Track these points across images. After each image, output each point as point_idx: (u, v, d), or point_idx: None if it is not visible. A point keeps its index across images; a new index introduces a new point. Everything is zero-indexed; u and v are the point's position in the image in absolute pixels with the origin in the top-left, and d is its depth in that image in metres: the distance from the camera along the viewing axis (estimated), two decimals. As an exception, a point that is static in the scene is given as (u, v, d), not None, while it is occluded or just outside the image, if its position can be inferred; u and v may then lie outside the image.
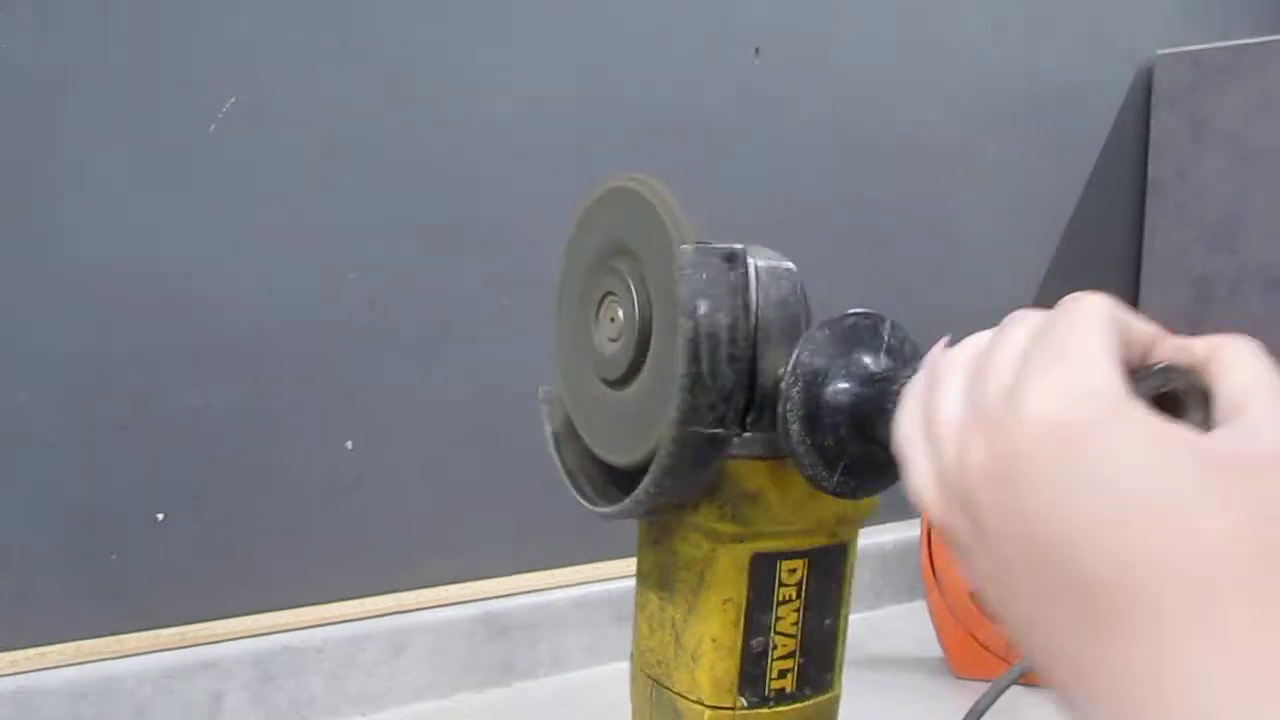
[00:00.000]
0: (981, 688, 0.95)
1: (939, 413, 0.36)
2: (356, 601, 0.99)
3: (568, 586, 1.08)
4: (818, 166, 1.19)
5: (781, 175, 1.16)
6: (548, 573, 1.09)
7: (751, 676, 0.48)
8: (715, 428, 0.43)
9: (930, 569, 1.08)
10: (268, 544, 0.96)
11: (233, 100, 0.90)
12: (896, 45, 1.23)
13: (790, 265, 0.46)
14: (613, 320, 0.48)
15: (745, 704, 0.48)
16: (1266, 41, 1.27)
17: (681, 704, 0.49)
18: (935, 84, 1.27)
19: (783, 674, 0.49)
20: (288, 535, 0.97)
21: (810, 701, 0.50)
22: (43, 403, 0.86)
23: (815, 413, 0.44)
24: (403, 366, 1.00)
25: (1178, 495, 0.30)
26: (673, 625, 0.49)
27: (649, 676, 0.51)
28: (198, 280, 0.91)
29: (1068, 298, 0.35)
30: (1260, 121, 1.26)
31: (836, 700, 0.51)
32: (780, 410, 0.43)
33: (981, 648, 1.07)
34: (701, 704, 0.48)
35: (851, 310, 0.45)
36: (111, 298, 0.88)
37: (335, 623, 0.97)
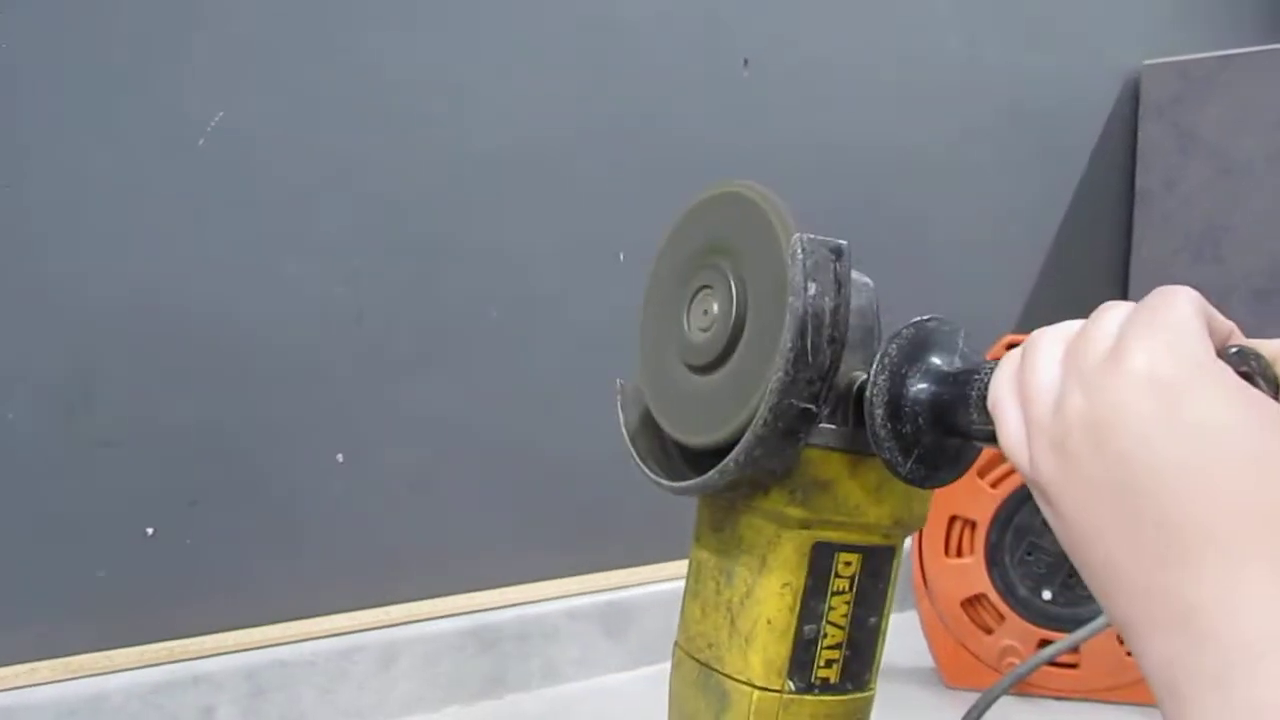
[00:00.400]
0: (973, 697, 0.95)
1: (1036, 376, 0.41)
2: (347, 615, 0.99)
3: (559, 599, 1.08)
4: (805, 178, 1.20)
5: (769, 186, 1.16)
6: (539, 585, 1.09)
7: (801, 661, 0.50)
8: (809, 403, 0.46)
9: (921, 579, 1.08)
10: (257, 557, 0.96)
11: (221, 115, 0.90)
12: (884, 56, 1.24)
13: (869, 281, 0.51)
14: (706, 312, 0.52)
15: (792, 688, 0.50)
16: (1252, 52, 1.28)
17: (730, 685, 0.51)
18: (922, 94, 1.27)
19: (829, 664, 0.51)
20: (278, 548, 0.96)
21: (850, 696, 0.52)
22: (29, 419, 0.86)
23: (897, 402, 0.48)
24: (392, 379, 1.00)
25: (1258, 448, 0.35)
26: (728, 608, 0.52)
27: (697, 661, 0.54)
28: (186, 294, 0.90)
29: (1160, 288, 0.39)
30: (1245, 132, 1.27)
31: (872, 700, 0.54)
32: (868, 396, 0.47)
33: (973, 657, 1.07)
34: (751, 685, 0.50)
35: (932, 316, 0.50)
36: (98, 312, 0.87)
37: (326, 636, 0.97)
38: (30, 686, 0.86)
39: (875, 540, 0.51)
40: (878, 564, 0.52)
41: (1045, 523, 0.41)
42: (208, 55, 0.89)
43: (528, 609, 1.06)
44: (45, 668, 0.87)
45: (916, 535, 1.07)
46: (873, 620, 0.52)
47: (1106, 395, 0.37)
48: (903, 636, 1.20)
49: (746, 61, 1.14)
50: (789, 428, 0.46)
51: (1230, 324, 0.40)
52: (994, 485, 1.04)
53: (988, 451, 1.01)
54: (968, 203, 1.33)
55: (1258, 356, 0.39)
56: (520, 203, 1.02)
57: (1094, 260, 1.41)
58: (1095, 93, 1.41)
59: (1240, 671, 0.33)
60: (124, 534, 0.90)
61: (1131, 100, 1.41)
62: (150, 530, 0.91)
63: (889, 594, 0.53)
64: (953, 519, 1.06)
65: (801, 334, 0.45)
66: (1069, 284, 1.36)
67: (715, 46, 1.13)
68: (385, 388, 0.99)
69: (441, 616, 1.02)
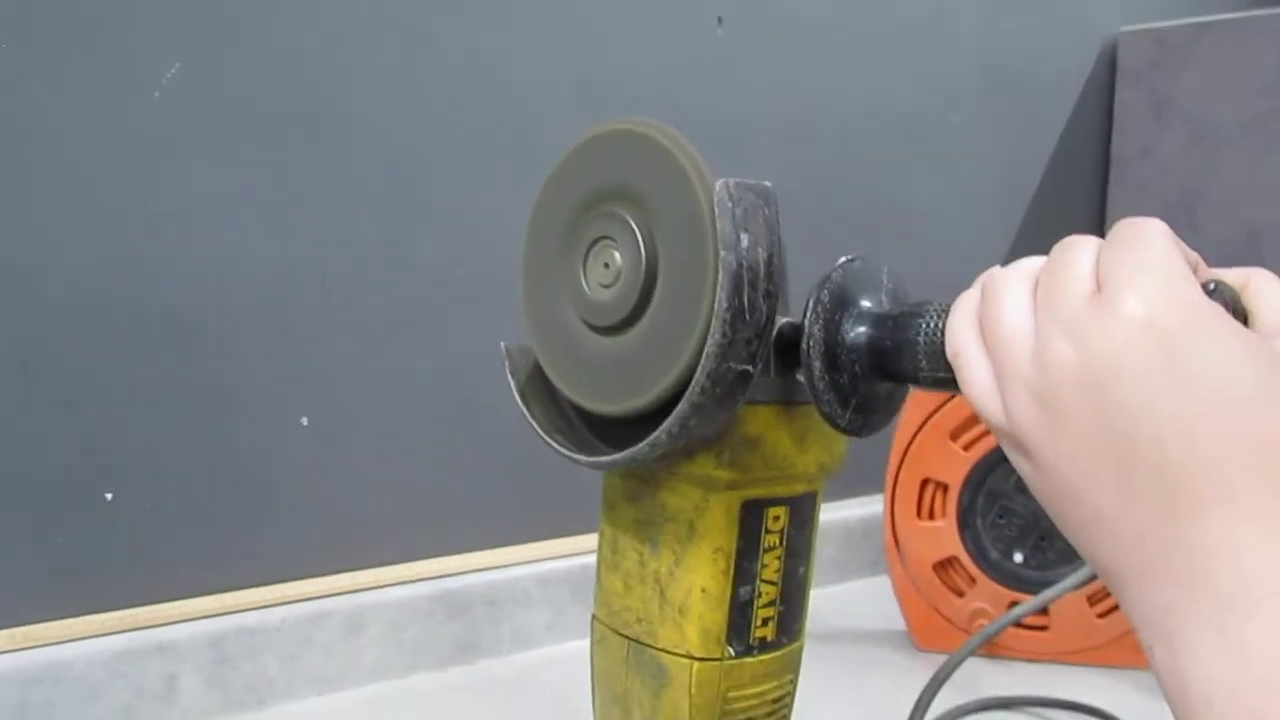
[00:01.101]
0: (943, 659, 0.95)
1: (1003, 320, 0.39)
2: (313, 581, 0.98)
3: (529, 564, 1.07)
4: (779, 140, 1.18)
5: (741, 149, 1.15)
6: (509, 550, 1.08)
7: (738, 626, 0.49)
8: (746, 364, 0.43)
9: (894, 542, 1.08)
10: (221, 523, 0.94)
11: (177, 66, 0.87)
12: (859, 17, 1.22)
13: (768, 184, 0.47)
14: (607, 266, 0.47)
15: (732, 653, 0.49)
16: (1229, 19, 1.27)
17: (667, 659, 0.49)
18: (897, 57, 1.26)
19: (765, 622, 0.50)
20: (242, 514, 0.95)
21: (786, 650, 0.51)
22: (-15, 380, 0.84)
23: (833, 351, 0.45)
24: (358, 341, 0.98)
25: (1264, 395, 0.34)
26: (656, 580, 0.49)
27: (625, 637, 0.51)
28: (146, 253, 0.88)
29: (1125, 221, 0.38)
30: (1221, 99, 1.27)
31: (802, 649, 0.53)
32: (804, 349, 0.45)
33: (944, 620, 1.07)
34: (690, 657, 0.48)
35: (852, 256, 0.47)
36: (55, 273, 0.85)
37: (292, 602, 0.96)
38: (-12, 655, 0.84)
39: (800, 489, 0.50)
40: (804, 513, 0.50)
41: (1018, 485, 0.40)
42: (163, 4, 0.86)
43: (498, 574, 1.05)
44: (4, 637, 0.85)
45: (889, 498, 1.07)
46: (801, 570, 0.51)
47: (1100, 343, 0.35)
48: (875, 601, 1.21)
49: (721, 20, 1.12)
50: (727, 392, 0.43)
51: (1194, 254, 0.39)
52: (966, 448, 1.04)
53: (958, 413, 1.01)
54: (942, 167, 1.32)
55: (1230, 289, 0.38)
56: (488, 162, 1.00)
57: (1069, 226, 1.38)
58: (1071, 59, 1.40)
59: (1239, 616, 0.33)
60: (83, 499, 0.88)
61: (1108, 66, 1.40)
62: (109, 495, 0.89)
63: (814, 539, 0.52)
64: (925, 482, 1.06)
65: (737, 291, 0.42)
66: (1044, 250, 1.35)
67: (688, 4, 1.11)
68: (351, 350, 0.98)
69: (410, 582, 1.01)
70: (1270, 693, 0.32)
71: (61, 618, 0.88)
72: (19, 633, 0.86)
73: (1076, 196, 1.41)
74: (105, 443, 0.88)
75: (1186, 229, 1.28)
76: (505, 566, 1.06)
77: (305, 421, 0.96)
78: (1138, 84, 1.36)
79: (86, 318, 0.86)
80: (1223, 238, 1.26)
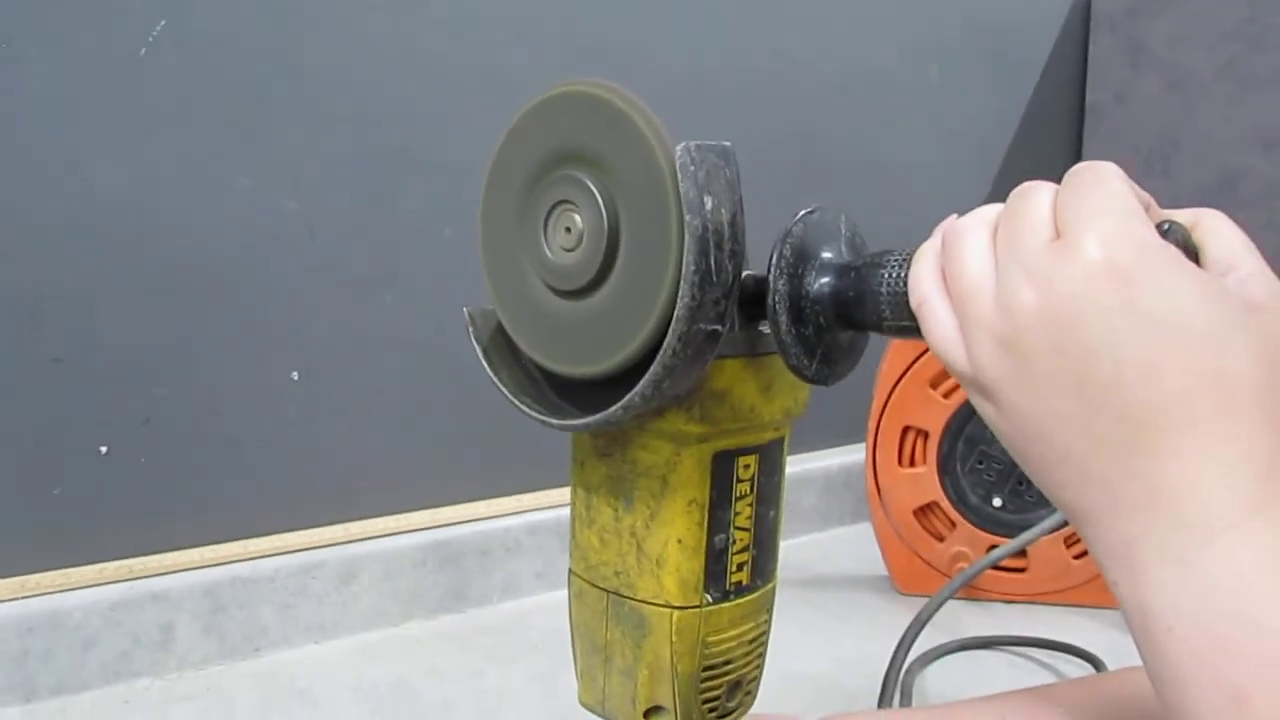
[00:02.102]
0: (924, 602, 0.97)
1: (965, 268, 0.40)
2: (306, 532, 0.99)
3: (519, 514, 1.09)
4: (756, 97, 1.19)
5: (718, 105, 1.16)
6: (499, 500, 1.09)
7: (715, 573, 0.50)
8: (715, 324, 0.44)
9: (875, 489, 1.10)
10: (214, 476, 0.95)
11: (163, 23, 0.88)
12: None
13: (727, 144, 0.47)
14: (569, 230, 0.47)
15: (710, 600, 0.50)
16: (1203, -34, 1.28)
17: (647, 610, 0.50)
18: (880, 11, 1.27)
19: (740, 567, 0.51)
20: (233, 467, 0.96)
21: (761, 591, 0.52)
22: (-23, 335, 0.85)
23: (798, 304, 0.46)
24: (346, 297, 0.99)
25: (1219, 331, 0.35)
26: (633, 534, 0.50)
27: (602, 590, 0.52)
28: (133, 210, 0.89)
29: (1080, 165, 0.39)
30: (1195, 45, 1.28)
31: (775, 589, 0.54)
32: (770, 303, 0.45)
33: (925, 564, 1.09)
34: (669, 606, 0.49)
35: (811, 207, 0.47)
36: (44, 229, 0.86)
37: (285, 553, 0.97)
38: (-13, 605, 0.85)
39: (768, 437, 0.50)
40: (773, 459, 0.51)
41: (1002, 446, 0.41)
42: (148, -38, 0.87)
43: (488, 524, 1.07)
44: (3, 586, 0.86)
45: (870, 445, 1.09)
46: (771, 514, 0.52)
47: (1062, 286, 0.36)
48: (857, 548, 1.23)
49: (700, -26, 1.13)
50: (697, 352, 0.44)
51: (1146, 195, 0.39)
52: (946, 396, 1.06)
53: (937, 363, 1.03)
54: (921, 120, 1.33)
55: (1183, 229, 0.39)
56: (474, 119, 1.01)
57: (1045, 176, 1.40)
58: (1046, 7, 1.41)
59: (1201, 545, 0.34)
60: (77, 452, 0.89)
61: (1083, 14, 1.41)
62: (104, 449, 0.90)
63: (782, 483, 0.53)
64: (906, 429, 1.08)
65: (704, 254, 0.42)
66: (1020, 200, 1.37)
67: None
68: (339, 305, 0.99)
69: (401, 532, 1.03)
70: (1233, 620, 0.33)
71: (59, 568, 0.89)
72: (15, 583, 0.87)
73: (1052, 146, 1.42)
74: (98, 397, 0.89)
75: (1161, 175, 1.30)
76: (495, 517, 1.08)
77: (295, 376, 0.98)
78: (1113, 31, 1.37)
79: (79, 274, 0.87)
80: (1197, 184, 1.27)
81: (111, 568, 0.91)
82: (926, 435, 1.08)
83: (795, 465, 1.27)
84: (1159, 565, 0.35)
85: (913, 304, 0.42)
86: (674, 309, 0.43)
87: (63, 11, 0.84)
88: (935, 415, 1.07)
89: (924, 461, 1.08)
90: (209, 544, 0.95)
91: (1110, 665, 0.92)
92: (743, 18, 1.17)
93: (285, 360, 0.97)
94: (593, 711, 0.55)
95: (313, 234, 0.97)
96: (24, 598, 0.87)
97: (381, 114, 0.98)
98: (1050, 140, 1.42)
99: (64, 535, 0.89)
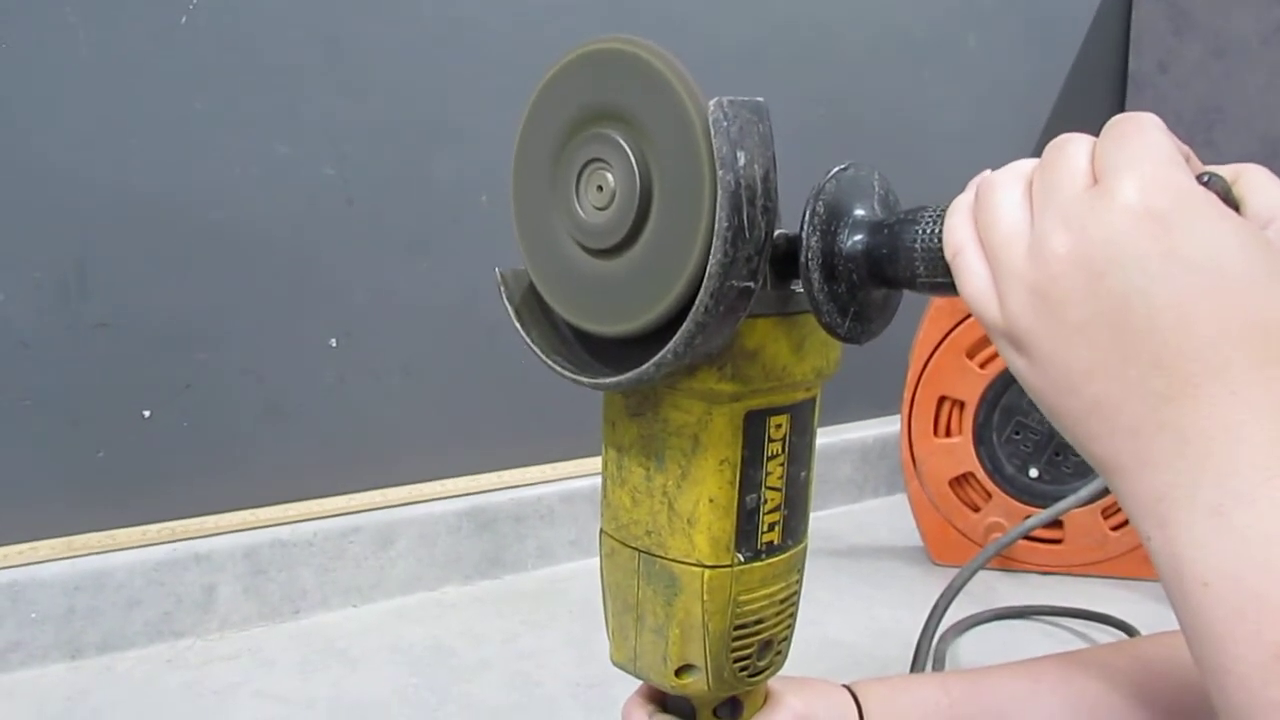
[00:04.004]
0: (958, 572, 0.97)
1: (1000, 219, 0.39)
2: (345, 497, 1.01)
3: (553, 482, 1.10)
4: (794, 63, 1.19)
5: (756, 71, 1.15)
6: (534, 469, 1.10)
7: (746, 532, 0.50)
8: (748, 281, 0.43)
9: (910, 459, 1.10)
10: (254, 440, 0.97)
11: (204, -9, 0.88)
12: (877, -63, 1.22)
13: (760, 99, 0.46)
14: (600, 189, 0.46)
15: (741, 559, 0.50)
16: (1248, -69, 1.26)
17: (678, 568, 0.50)
18: (916, -23, 1.26)
19: (771, 527, 0.50)
20: (273, 431, 0.97)
21: (792, 552, 0.52)
22: (22, 303, 0.86)
23: (830, 261, 0.45)
24: (384, 264, 1.00)
25: (1258, 279, 0.34)
26: (664, 493, 0.50)
27: (634, 549, 0.52)
28: (174, 178, 0.90)
29: (1119, 116, 0.38)
30: (1239, 10, 1.26)
31: (806, 550, 0.54)
32: (803, 261, 0.45)
33: (960, 535, 1.09)
34: (700, 565, 0.49)
35: (846, 164, 0.47)
36: (90, 196, 0.87)
37: (324, 517, 0.99)
38: (34, 564, 0.87)
39: (800, 396, 0.50)
40: (805, 419, 0.51)
41: (1033, 401, 0.40)
42: (188, -70, 0.88)
43: (523, 491, 1.08)
44: (47, 546, 0.88)
45: (905, 415, 1.09)
46: (803, 475, 0.52)
47: (1097, 231, 0.35)
48: (892, 518, 1.23)
49: (737, -59, 1.12)
50: (730, 309, 0.43)
51: (1185, 146, 0.39)
52: (982, 366, 1.05)
53: (975, 331, 1.02)
54: (960, 87, 1.32)
55: (1223, 179, 0.38)
56: (511, 87, 1.01)
57: (1086, 145, 1.40)
58: (1090, -25, 1.39)
59: (1238, 498, 0.33)
60: (122, 416, 0.91)
61: (1126, -19, 1.39)
62: (147, 413, 0.92)
63: (813, 443, 0.52)
64: (941, 399, 1.08)
65: (737, 210, 0.42)
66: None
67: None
68: (377, 272, 1.00)
69: (438, 499, 1.04)
70: (1272, 574, 0.32)
71: (104, 529, 0.91)
72: (61, 543, 0.89)
73: (1094, 114, 1.40)
74: (141, 362, 0.91)
75: (1204, 145, 1.28)
76: (530, 485, 1.09)
77: (334, 343, 0.99)
78: (1155, -2, 1.35)
79: (119, 240, 0.89)
80: (1241, 153, 1.25)
81: (155, 529, 0.92)
82: (962, 405, 1.07)
83: (832, 436, 1.27)
84: (1192, 518, 0.34)
85: (947, 255, 0.41)
86: (706, 266, 0.42)
87: (105, -20, 0.85)
88: (971, 385, 1.06)
89: (960, 432, 1.08)
90: (250, 508, 0.97)
91: (1146, 636, 0.92)
92: (780, -15, 1.16)
93: (324, 327, 0.98)
94: (624, 670, 0.55)
95: (350, 201, 0.97)
96: (70, 558, 0.89)
97: (418, 82, 0.99)
98: (1091, 109, 1.40)
99: (108, 497, 0.91)
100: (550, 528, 1.09)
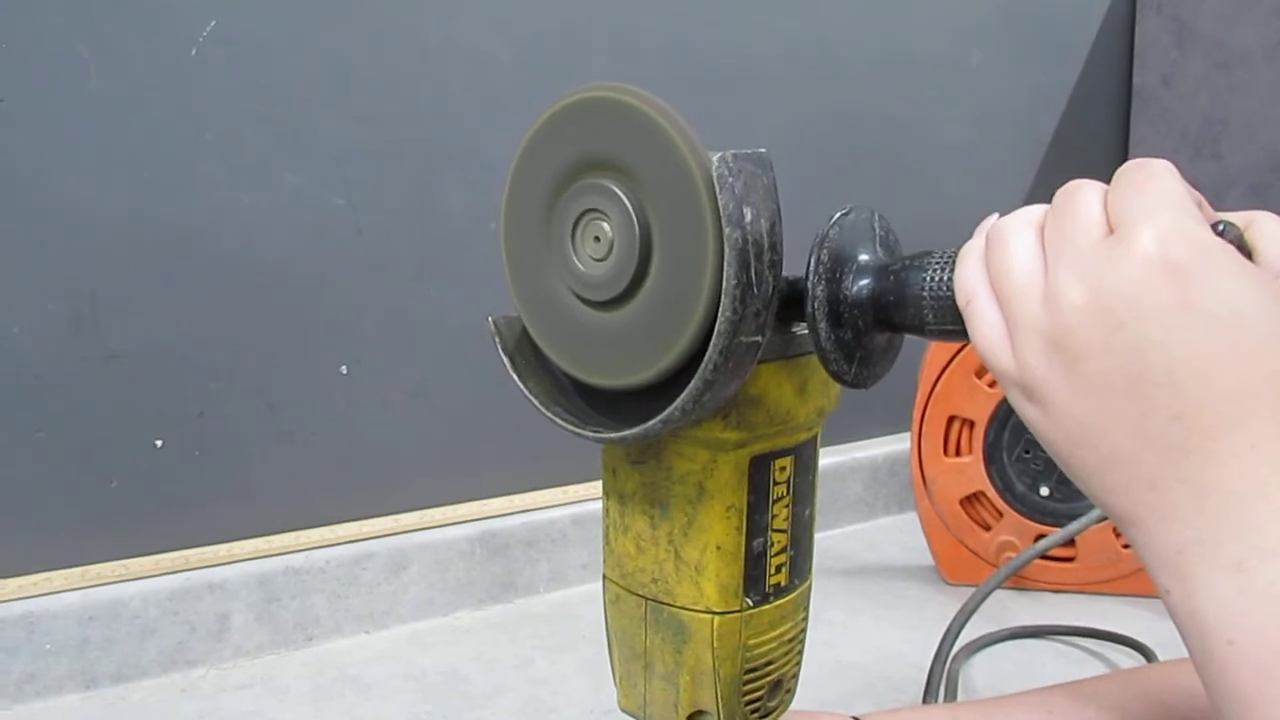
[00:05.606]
0: (971, 592, 0.97)
1: (1013, 267, 0.38)
2: (357, 523, 1.01)
3: (565, 505, 1.10)
4: (798, 81, 1.19)
5: (761, 91, 1.16)
6: (545, 492, 1.10)
7: (754, 577, 0.49)
8: (756, 335, 0.43)
9: (920, 478, 1.10)
10: (266, 468, 0.97)
11: (213, 23, 0.89)
12: (881, -43, 1.22)
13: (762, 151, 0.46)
14: (598, 240, 0.45)
15: (750, 604, 0.49)
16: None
17: (687, 616, 0.50)
18: (920, -4, 1.26)
19: (778, 569, 0.50)
20: (285, 459, 0.98)
21: (799, 590, 0.52)
22: (35, 335, 0.87)
23: (836, 308, 0.45)
24: (394, 292, 1.00)
25: (1275, 330, 0.34)
26: (670, 541, 0.50)
27: (640, 596, 0.52)
28: (187, 207, 0.91)
29: (1132, 162, 0.38)
30: (1243, 23, 1.26)
31: (811, 585, 0.54)
32: (809, 311, 0.45)
33: (971, 554, 1.09)
34: (710, 611, 0.49)
35: (845, 208, 0.47)
36: (101, 226, 0.88)
37: (336, 544, 0.99)
38: (49, 595, 0.88)
39: (803, 437, 0.50)
40: (807, 458, 0.51)
41: (1046, 451, 0.39)
42: (196, -36, 0.88)
43: (535, 515, 1.08)
44: (62, 576, 0.89)
45: (915, 435, 1.09)
46: (807, 513, 0.51)
47: (1115, 283, 0.35)
48: (903, 537, 1.23)
49: (741, -36, 1.13)
50: (738, 364, 0.43)
51: (1196, 193, 0.38)
52: (991, 385, 1.05)
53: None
54: (964, 103, 1.32)
55: (1236, 228, 0.38)
56: (518, 115, 1.01)
57: (1092, 160, 1.40)
58: (1093, -11, 1.39)
59: (1261, 554, 0.33)
60: (134, 445, 0.91)
61: (1129, -3, 1.39)
62: (159, 442, 0.92)
63: (816, 480, 0.52)
64: (951, 419, 1.08)
65: (745, 267, 0.41)
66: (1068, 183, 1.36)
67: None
68: (387, 299, 1.00)
69: (450, 524, 1.04)
70: None
71: (118, 558, 0.91)
72: (75, 573, 0.89)
73: (1099, 130, 1.41)
74: (154, 392, 0.91)
75: (1210, 158, 1.28)
76: (542, 508, 1.09)
77: (344, 370, 0.99)
78: (1159, 13, 1.35)
79: (130, 270, 0.89)
80: (1247, 165, 1.25)
81: (168, 558, 0.93)
82: (972, 425, 1.07)
83: (841, 455, 1.27)
84: (1213, 574, 0.34)
85: (959, 303, 0.41)
86: (711, 321, 0.42)
87: (115, 13, 0.86)
88: (981, 405, 1.06)
89: (970, 451, 1.08)
90: (262, 535, 0.97)
91: (1161, 656, 0.92)
92: (785, 4, 1.16)
93: (335, 354, 0.99)
94: (634, 717, 0.54)
95: (360, 230, 0.98)
96: (84, 588, 0.89)
97: (426, 111, 0.99)
98: (1097, 124, 1.40)
99: (122, 527, 0.92)
100: (562, 550, 1.09)
